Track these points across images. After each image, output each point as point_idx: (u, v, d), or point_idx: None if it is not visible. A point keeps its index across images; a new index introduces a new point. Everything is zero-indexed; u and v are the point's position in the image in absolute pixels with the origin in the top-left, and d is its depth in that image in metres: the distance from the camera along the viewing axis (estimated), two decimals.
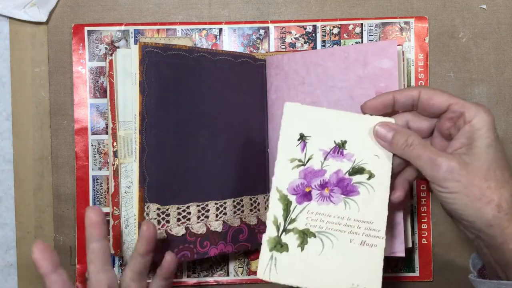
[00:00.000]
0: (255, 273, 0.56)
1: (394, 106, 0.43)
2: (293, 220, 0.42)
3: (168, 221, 0.48)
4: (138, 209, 0.47)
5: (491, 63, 0.56)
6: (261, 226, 0.54)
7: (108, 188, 0.55)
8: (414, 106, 0.43)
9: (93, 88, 0.55)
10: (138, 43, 0.47)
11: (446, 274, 0.56)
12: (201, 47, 0.55)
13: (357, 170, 0.43)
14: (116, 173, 0.50)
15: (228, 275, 0.56)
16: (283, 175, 0.42)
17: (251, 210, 0.53)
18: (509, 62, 0.56)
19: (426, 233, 0.56)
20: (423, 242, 0.56)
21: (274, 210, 0.42)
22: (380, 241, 0.42)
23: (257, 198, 0.53)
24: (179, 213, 0.49)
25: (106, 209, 0.55)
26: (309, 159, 0.43)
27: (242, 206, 0.53)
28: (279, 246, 0.42)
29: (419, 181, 0.56)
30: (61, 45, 0.55)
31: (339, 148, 0.43)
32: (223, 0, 0.56)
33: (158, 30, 0.55)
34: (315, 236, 0.42)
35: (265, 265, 0.41)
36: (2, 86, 0.56)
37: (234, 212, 0.52)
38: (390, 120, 0.43)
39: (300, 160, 0.42)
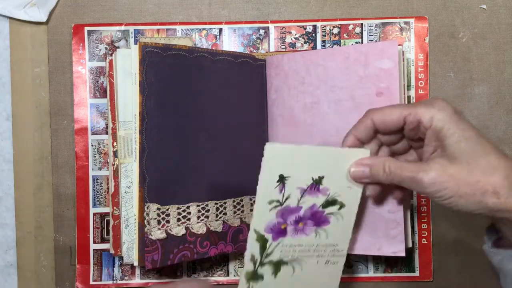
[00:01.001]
0: None
1: (364, 141, 0.44)
2: (268, 255, 0.45)
3: (168, 221, 0.48)
4: (138, 209, 0.47)
5: (491, 63, 0.56)
6: None
7: (108, 188, 0.55)
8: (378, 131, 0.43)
9: (93, 88, 0.55)
10: (138, 43, 0.47)
11: (446, 274, 0.56)
12: (201, 47, 0.55)
13: (330, 202, 0.45)
14: (116, 173, 0.50)
15: (228, 275, 0.56)
16: (261, 217, 0.43)
17: (251, 210, 0.53)
18: (509, 62, 0.56)
19: (426, 233, 0.56)
20: (423, 242, 0.56)
21: (252, 250, 0.44)
22: (342, 258, 0.47)
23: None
24: (179, 213, 0.49)
25: (106, 209, 0.55)
26: (286, 199, 0.43)
27: (242, 206, 0.53)
28: (255, 277, 0.45)
29: None
30: (61, 45, 0.55)
31: (316, 184, 0.44)
32: (223, 0, 0.56)
33: (158, 30, 0.55)
34: (287, 264, 0.45)
35: None
36: (2, 86, 0.56)
37: (234, 212, 0.52)
38: (365, 151, 0.44)
39: (278, 201, 0.43)
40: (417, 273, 0.56)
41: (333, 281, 0.47)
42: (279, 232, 0.44)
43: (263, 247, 0.44)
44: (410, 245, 0.51)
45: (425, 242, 0.56)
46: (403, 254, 0.48)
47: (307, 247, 0.46)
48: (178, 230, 0.48)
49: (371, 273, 0.56)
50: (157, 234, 0.47)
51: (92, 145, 0.55)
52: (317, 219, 0.45)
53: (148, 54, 0.46)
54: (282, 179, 0.43)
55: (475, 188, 0.39)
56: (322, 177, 0.44)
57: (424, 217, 0.56)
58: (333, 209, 0.45)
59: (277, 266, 0.45)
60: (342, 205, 0.45)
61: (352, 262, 0.56)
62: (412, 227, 0.55)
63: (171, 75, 0.47)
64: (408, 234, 0.51)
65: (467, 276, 0.51)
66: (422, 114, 0.40)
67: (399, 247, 0.48)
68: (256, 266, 0.45)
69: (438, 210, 0.55)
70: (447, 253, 0.56)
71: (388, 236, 0.48)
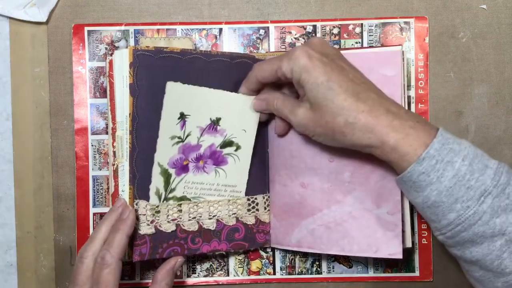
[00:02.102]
0: (255, 273, 0.56)
1: (255, 90, 0.50)
2: (172, 190, 0.49)
3: (157, 218, 0.48)
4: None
5: (491, 63, 0.56)
6: (260, 226, 0.54)
7: (108, 188, 0.55)
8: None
9: (93, 88, 0.55)
10: (129, 47, 0.47)
11: (446, 274, 0.56)
12: (198, 48, 0.55)
13: (227, 143, 0.50)
14: (116, 173, 0.50)
15: (228, 275, 0.56)
16: (164, 151, 0.48)
17: (248, 210, 0.53)
18: (509, 62, 0.56)
19: (426, 233, 0.56)
20: (423, 242, 0.56)
21: (156, 183, 0.48)
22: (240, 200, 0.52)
23: (255, 198, 0.53)
24: (169, 211, 0.49)
25: (106, 209, 0.55)
26: (187, 136, 0.49)
27: (238, 205, 0.53)
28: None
29: None
30: (61, 45, 0.55)
31: (214, 124, 0.49)
32: (223, 0, 0.56)
33: (158, 30, 0.55)
34: (190, 201, 0.50)
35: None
36: (2, 86, 0.56)
37: (229, 211, 0.52)
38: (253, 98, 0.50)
39: (179, 137, 0.48)
40: (417, 273, 0.56)
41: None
42: (182, 168, 0.49)
43: (167, 182, 0.48)
44: (410, 245, 0.51)
45: (425, 242, 0.56)
46: (400, 256, 0.48)
47: (208, 185, 0.50)
48: (168, 227, 0.49)
49: (371, 273, 0.56)
50: (145, 229, 0.48)
51: (92, 145, 0.55)
52: (216, 158, 0.50)
53: (139, 57, 0.47)
54: (182, 117, 0.48)
55: (327, 128, 0.44)
56: (219, 119, 0.50)
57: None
58: (230, 150, 0.51)
59: (180, 201, 0.50)
60: (238, 147, 0.51)
61: (352, 262, 0.56)
62: (412, 227, 0.55)
63: (163, 77, 0.47)
64: (408, 234, 0.51)
65: (467, 276, 0.51)
66: (285, 67, 0.44)
67: (396, 249, 0.48)
68: (161, 200, 0.49)
69: None
70: (447, 253, 0.55)
71: (386, 237, 0.48)
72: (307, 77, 0.43)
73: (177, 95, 0.47)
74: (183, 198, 0.50)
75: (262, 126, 0.53)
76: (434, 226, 0.44)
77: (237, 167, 0.52)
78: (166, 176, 0.48)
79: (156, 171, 0.48)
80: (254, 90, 0.50)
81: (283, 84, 0.50)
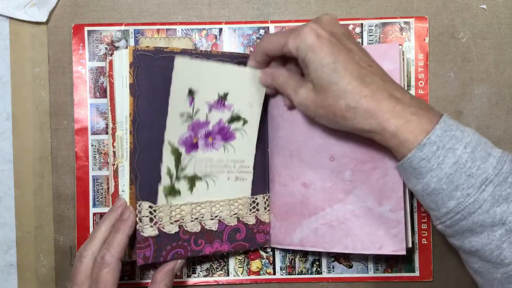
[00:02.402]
0: (255, 273, 0.56)
1: (262, 63, 0.50)
2: (183, 169, 0.49)
3: (160, 219, 0.48)
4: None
5: (491, 63, 0.56)
6: (260, 226, 0.54)
7: (108, 188, 0.55)
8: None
9: (93, 88, 0.55)
10: (129, 47, 0.47)
11: (446, 274, 0.56)
12: (198, 48, 0.55)
13: (235, 118, 0.50)
14: (116, 173, 0.50)
15: (228, 275, 0.56)
16: (174, 129, 0.47)
17: (250, 210, 0.53)
18: (509, 62, 0.56)
19: (426, 233, 0.56)
20: (423, 242, 0.56)
21: (167, 162, 0.48)
22: (249, 174, 0.52)
23: (256, 198, 0.53)
24: (172, 212, 0.49)
25: (106, 209, 0.55)
26: (196, 112, 0.48)
27: (239, 205, 0.53)
28: (172, 192, 0.48)
29: None
30: (61, 45, 0.55)
31: (222, 100, 0.49)
32: (223, 0, 0.56)
33: (158, 30, 0.55)
34: (201, 179, 0.50)
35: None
36: (2, 86, 0.56)
37: (231, 211, 0.52)
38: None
39: (188, 114, 0.48)
40: (417, 273, 0.56)
41: (242, 194, 0.52)
42: (192, 145, 0.49)
43: (177, 160, 0.48)
44: (410, 245, 0.51)
45: (425, 242, 0.56)
46: (403, 252, 0.48)
47: (217, 162, 0.50)
48: (171, 228, 0.49)
49: (371, 273, 0.56)
50: (149, 231, 0.47)
51: (92, 145, 0.55)
52: (224, 134, 0.50)
53: (139, 57, 0.47)
54: (191, 93, 0.47)
55: (328, 111, 0.43)
56: (227, 94, 0.49)
57: (424, 217, 0.56)
58: (237, 125, 0.51)
59: (192, 181, 0.49)
60: (245, 121, 0.51)
61: (352, 262, 0.56)
62: (412, 227, 0.55)
63: (163, 77, 0.47)
64: (408, 234, 0.51)
65: (467, 276, 0.51)
66: (291, 44, 0.43)
67: (399, 245, 0.48)
68: (173, 180, 0.48)
69: None
70: (447, 253, 0.56)
71: (389, 235, 0.48)
72: (312, 56, 0.42)
73: (185, 71, 0.47)
74: (194, 177, 0.49)
75: (261, 126, 0.53)
76: (433, 215, 0.44)
77: (245, 142, 0.51)
78: (177, 154, 0.48)
79: (166, 150, 0.47)
80: (261, 62, 0.49)
81: (290, 59, 0.48)
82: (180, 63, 0.46)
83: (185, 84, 0.47)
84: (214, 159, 0.50)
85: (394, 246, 0.48)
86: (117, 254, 0.44)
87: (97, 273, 0.44)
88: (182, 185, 0.49)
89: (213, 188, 0.51)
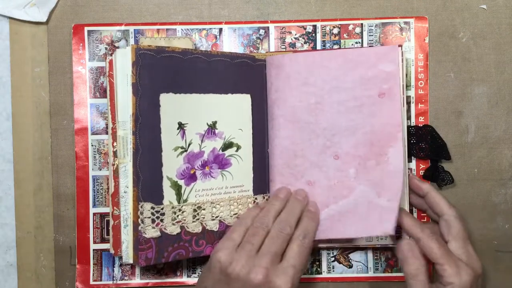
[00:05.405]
0: None
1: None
2: (185, 201, 0.49)
3: (162, 220, 0.48)
4: (132, 208, 0.48)
5: (491, 63, 0.56)
6: None
7: (108, 188, 0.55)
8: None
9: (93, 88, 0.55)
10: (131, 45, 0.47)
11: None
12: (198, 48, 0.55)
13: (228, 145, 0.52)
14: (116, 173, 0.50)
15: None
16: (170, 164, 0.48)
17: None
18: (509, 62, 0.56)
19: None
20: None
21: (169, 197, 0.48)
22: (251, 198, 0.53)
23: (256, 198, 0.53)
24: (174, 212, 0.49)
25: (106, 209, 0.55)
26: (189, 144, 0.49)
27: (240, 205, 0.53)
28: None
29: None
30: (61, 45, 0.55)
31: (211, 128, 0.50)
32: (223, 0, 0.56)
33: (158, 30, 0.55)
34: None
35: None
36: (2, 86, 0.56)
37: (231, 211, 0.52)
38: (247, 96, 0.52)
39: (182, 147, 0.49)
40: None
41: None
42: (190, 177, 0.50)
43: (178, 194, 0.49)
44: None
45: None
46: (392, 232, 0.48)
47: (217, 190, 0.51)
48: (173, 229, 0.49)
49: (371, 273, 0.56)
50: (151, 232, 0.47)
51: (92, 145, 0.55)
52: (220, 161, 0.51)
53: (142, 56, 0.47)
54: (181, 126, 0.49)
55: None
56: (216, 122, 0.51)
57: (424, 217, 0.56)
58: (231, 151, 0.52)
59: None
60: (238, 147, 0.52)
61: (352, 262, 0.56)
62: None
63: (165, 77, 0.47)
64: None
65: None
66: (448, 272, 0.46)
67: (389, 226, 0.49)
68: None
69: None
70: None
71: (381, 218, 0.50)
72: None
73: (172, 106, 0.48)
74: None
75: (261, 126, 0.53)
76: None
77: (241, 167, 0.52)
78: (177, 188, 0.49)
79: (166, 185, 0.48)
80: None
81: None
82: (165, 99, 0.48)
83: (174, 119, 0.48)
84: (214, 187, 0.51)
85: (384, 227, 0.49)
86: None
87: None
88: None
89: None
